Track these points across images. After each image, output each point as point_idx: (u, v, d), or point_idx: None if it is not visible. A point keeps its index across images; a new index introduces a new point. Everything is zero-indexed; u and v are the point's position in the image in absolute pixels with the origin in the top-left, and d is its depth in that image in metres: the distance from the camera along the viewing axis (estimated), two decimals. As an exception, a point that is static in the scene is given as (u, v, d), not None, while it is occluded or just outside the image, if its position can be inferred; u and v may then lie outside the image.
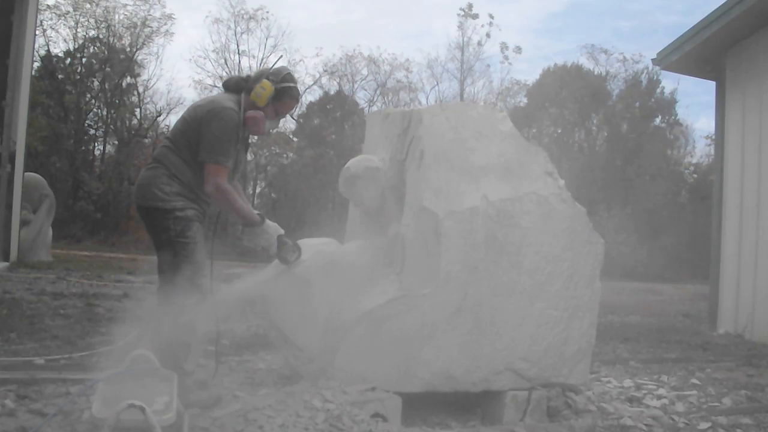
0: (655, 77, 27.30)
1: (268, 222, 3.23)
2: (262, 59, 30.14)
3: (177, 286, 3.04)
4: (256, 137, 3.47)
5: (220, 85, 25.03)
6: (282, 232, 3.29)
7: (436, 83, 29.81)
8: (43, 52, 23.93)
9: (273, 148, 27.65)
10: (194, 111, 3.18)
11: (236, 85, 3.28)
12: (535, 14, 44.32)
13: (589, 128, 28.31)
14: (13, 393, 3.21)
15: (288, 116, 28.00)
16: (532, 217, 3.45)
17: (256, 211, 3.28)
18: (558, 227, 3.53)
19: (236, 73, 26.95)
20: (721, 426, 3.54)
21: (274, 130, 3.72)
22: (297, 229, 18.78)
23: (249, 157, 26.66)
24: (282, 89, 3.20)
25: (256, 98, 3.15)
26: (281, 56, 3.57)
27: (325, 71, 28.36)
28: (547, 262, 3.47)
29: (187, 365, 3.07)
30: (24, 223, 10.76)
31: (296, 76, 3.68)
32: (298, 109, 28.29)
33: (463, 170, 3.37)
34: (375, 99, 28.50)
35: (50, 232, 11.64)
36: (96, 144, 27.11)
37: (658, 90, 27.66)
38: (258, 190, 28.59)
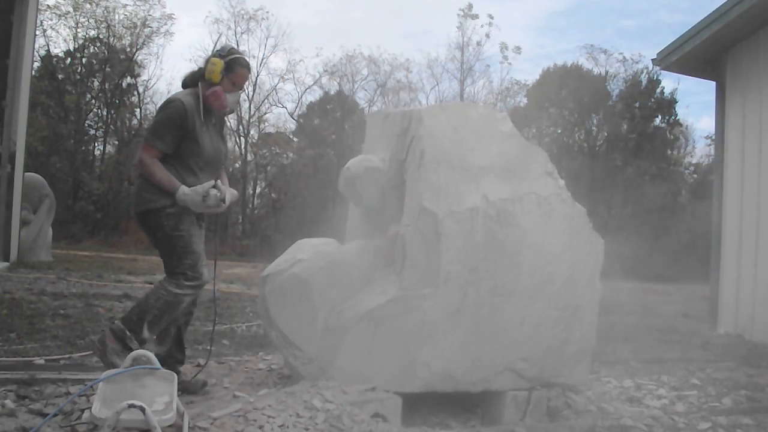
0: (655, 77, 27.28)
1: (184, 188, 3.20)
2: (263, 59, 30.18)
3: (180, 274, 3.20)
4: (228, 116, 3.61)
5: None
6: (209, 185, 3.24)
7: (436, 83, 29.83)
8: (43, 52, 23.93)
9: (273, 148, 27.66)
10: None
11: (192, 79, 3.42)
12: (537, 13, 44.23)
13: (589, 128, 28.29)
14: (13, 393, 3.21)
15: (288, 116, 27.99)
16: (532, 217, 3.45)
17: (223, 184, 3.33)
18: (558, 227, 3.53)
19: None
20: (721, 426, 3.54)
21: (237, 107, 3.89)
22: (297, 229, 18.78)
23: (249, 156, 26.69)
24: (231, 60, 3.33)
25: (210, 75, 3.30)
26: (221, 35, 3.81)
27: (325, 71, 28.35)
28: (547, 262, 3.47)
29: (147, 331, 3.15)
30: (24, 223, 10.76)
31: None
32: (298, 108, 28.37)
33: (463, 170, 3.37)
34: (375, 99, 28.48)
35: (50, 232, 11.64)
36: (96, 144, 27.11)
37: (658, 90, 27.64)
38: (258, 190, 28.59)
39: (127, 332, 3.13)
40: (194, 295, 3.30)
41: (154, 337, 3.24)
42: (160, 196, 3.21)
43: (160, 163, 3.22)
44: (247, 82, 3.51)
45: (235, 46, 3.53)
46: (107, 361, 3.09)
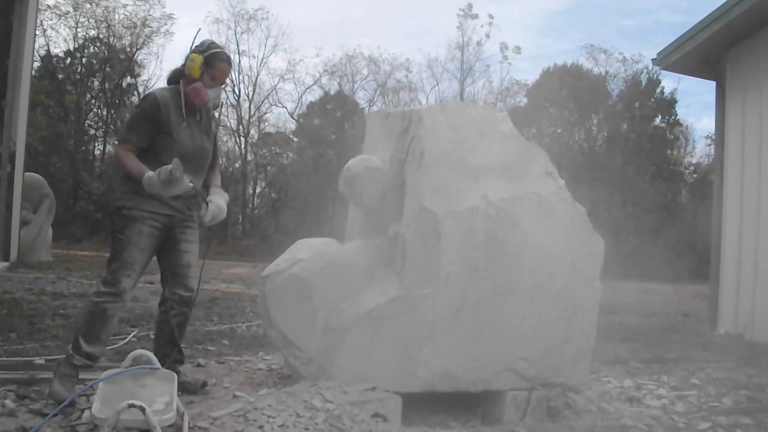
0: (655, 77, 27.29)
1: (149, 173, 3.10)
2: (262, 59, 30.20)
3: (103, 276, 3.20)
4: (213, 110, 3.58)
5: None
6: (168, 168, 3.08)
7: (436, 83, 29.86)
8: (43, 52, 23.96)
9: (273, 148, 27.67)
10: None
11: (175, 75, 3.41)
12: (537, 12, 44.26)
13: (589, 128, 28.29)
14: (13, 393, 3.21)
15: (288, 116, 27.97)
16: (532, 217, 3.45)
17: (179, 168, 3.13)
18: (558, 227, 3.52)
19: (236, 73, 27.05)
20: (721, 426, 3.54)
21: (220, 101, 3.80)
22: (297, 229, 18.79)
23: (249, 156, 26.65)
24: (210, 55, 3.31)
25: (189, 71, 3.28)
26: (200, 29, 3.70)
27: (325, 71, 28.40)
28: (547, 262, 3.47)
29: (85, 344, 3.13)
30: (24, 223, 10.77)
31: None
32: (298, 108, 28.37)
33: (463, 170, 3.37)
34: (375, 99, 28.53)
35: (50, 232, 11.64)
36: (96, 144, 27.12)
37: (658, 90, 27.65)
38: (258, 190, 28.60)
39: (71, 350, 3.14)
40: (112, 303, 3.15)
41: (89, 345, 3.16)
42: (124, 196, 3.22)
43: (134, 156, 3.19)
44: (228, 77, 3.46)
45: (215, 42, 3.49)
46: (51, 389, 3.07)
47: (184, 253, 3.40)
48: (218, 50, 3.36)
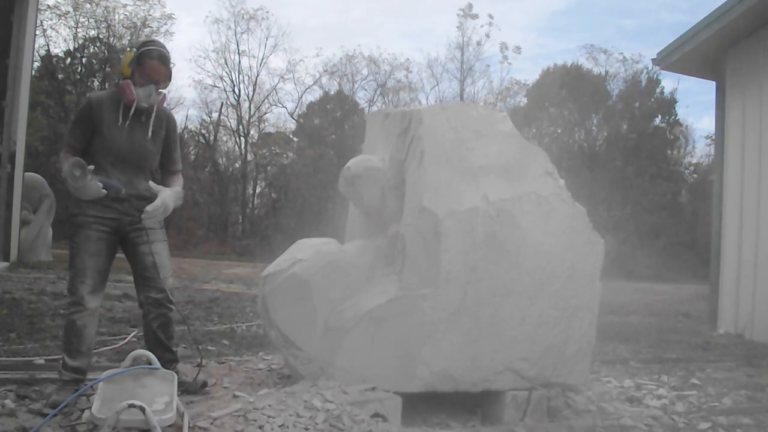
0: (655, 77, 27.31)
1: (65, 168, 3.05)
2: (262, 59, 30.21)
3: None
4: (150, 110, 3.33)
5: (220, 85, 24.95)
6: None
7: (436, 83, 29.85)
8: (43, 52, 23.92)
9: (273, 148, 27.67)
10: None
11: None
12: (538, 12, 44.23)
13: (589, 128, 28.29)
14: (13, 393, 3.21)
15: (288, 116, 27.92)
16: (532, 217, 3.45)
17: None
18: (558, 227, 3.53)
19: (236, 73, 27.07)
20: (721, 426, 3.54)
21: (157, 100, 3.54)
22: (297, 229, 18.80)
23: (249, 156, 26.64)
24: (141, 53, 3.26)
25: (122, 69, 3.28)
26: (142, 19, 3.58)
27: (325, 71, 28.37)
28: (547, 262, 3.47)
29: (68, 359, 3.14)
30: (24, 223, 10.76)
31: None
32: (298, 108, 28.35)
33: (463, 170, 3.37)
34: (375, 99, 28.49)
35: (50, 232, 11.64)
36: (96, 144, 27.07)
37: (658, 90, 27.66)
38: (258, 190, 28.59)
39: (60, 367, 3.17)
40: (78, 313, 3.12)
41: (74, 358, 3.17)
42: (72, 204, 3.22)
43: (70, 157, 3.11)
44: (164, 76, 3.31)
45: (156, 40, 3.37)
46: (50, 400, 3.06)
47: (147, 255, 3.33)
48: (150, 48, 3.29)
